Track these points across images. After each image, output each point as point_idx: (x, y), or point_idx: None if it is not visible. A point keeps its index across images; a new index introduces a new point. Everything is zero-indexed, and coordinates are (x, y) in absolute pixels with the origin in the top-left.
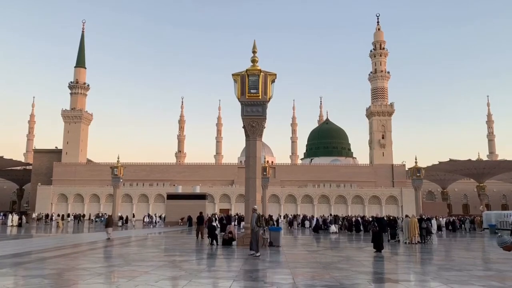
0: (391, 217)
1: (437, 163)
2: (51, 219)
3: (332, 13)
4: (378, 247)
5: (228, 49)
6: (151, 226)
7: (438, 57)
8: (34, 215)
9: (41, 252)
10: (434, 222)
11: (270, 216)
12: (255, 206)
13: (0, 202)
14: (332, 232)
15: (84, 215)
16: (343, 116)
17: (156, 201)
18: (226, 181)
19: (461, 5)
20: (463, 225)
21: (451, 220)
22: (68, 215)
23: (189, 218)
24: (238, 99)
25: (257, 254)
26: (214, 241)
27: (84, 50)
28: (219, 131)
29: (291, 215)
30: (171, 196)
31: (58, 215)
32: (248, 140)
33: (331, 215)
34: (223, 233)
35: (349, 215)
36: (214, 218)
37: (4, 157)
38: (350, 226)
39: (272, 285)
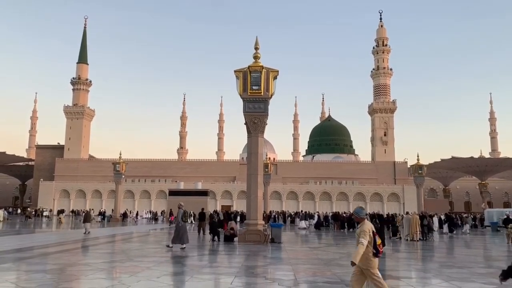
0: (387, 214)
1: (439, 160)
2: (41, 214)
3: (334, 10)
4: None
5: (231, 45)
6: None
7: (441, 54)
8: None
9: (43, 247)
10: (435, 219)
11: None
12: (181, 203)
13: (3, 197)
14: (300, 228)
15: (72, 211)
16: (345, 113)
17: (158, 197)
18: (228, 178)
19: (464, 2)
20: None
21: (443, 218)
22: (63, 211)
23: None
24: (240, 95)
25: (170, 245)
26: (216, 237)
27: (86, 46)
28: (221, 128)
29: (273, 211)
30: (173, 192)
31: (48, 210)
32: (250, 137)
33: (301, 211)
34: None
35: (339, 212)
36: (215, 215)
37: (7, 152)
38: (343, 223)
39: (274, 281)
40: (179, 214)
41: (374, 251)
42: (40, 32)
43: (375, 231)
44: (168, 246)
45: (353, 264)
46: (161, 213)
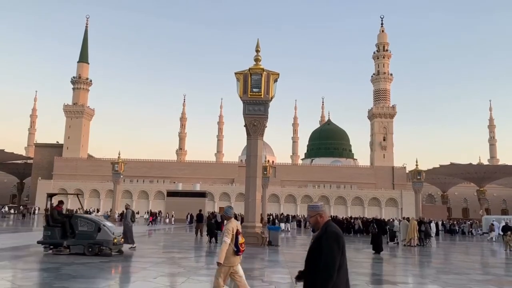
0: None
1: (438, 166)
2: (33, 212)
3: (336, 14)
4: (377, 248)
5: (231, 47)
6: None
7: (441, 60)
8: (4, 209)
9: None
10: (433, 225)
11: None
12: (128, 204)
13: (1, 195)
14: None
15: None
16: (345, 117)
17: (156, 198)
18: (227, 180)
19: (464, 8)
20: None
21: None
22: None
23: (191, 216)
24: (240, 97)
25: (134, 246)
26: (213, 239)
27: (87, 46)
28: (220, 130)
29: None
30: (171, 193)
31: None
32: (249, 139)
33: (282, 214)
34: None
35: (336, 216)
36: (212, 216)
37: (6, 150)
38: (344, 229)
39: (271, 284)
40: (128, 215)
41: (235, 249)
42: (41, 30)
43: (239, 230)
44: (131, 248)
45: (218, 264)
46: (158, 213)
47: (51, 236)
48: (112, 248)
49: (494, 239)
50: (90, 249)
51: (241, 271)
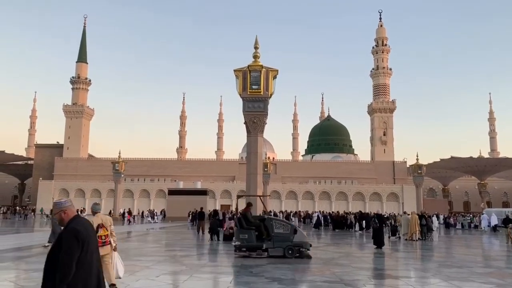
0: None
1: (439, 160)
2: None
3: (334, 9)
4: (379, 243)
5: (230, 45)
6: None
7: (440, 54)
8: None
9: (40, 246)
10: (434, 219)
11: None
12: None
13: (2, 196)
14: None
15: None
16: (345, 112)
17: (157, 197)
18: (227, 177)
19: (464, 2)
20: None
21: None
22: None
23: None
24: (240, 95)
25: (46, 245)
26: (215, 237)
27: (86, 45)
28: (220, 127)
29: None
30: (172, 192)
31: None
32: (250, 136)
33: (263, 210)
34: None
35: (337, 211)
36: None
37: (6, 151)
38: (337, 223)
39: (273, 280)
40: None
41: None
42: (39, 30)
43: (103, 224)
44: (45, 246)
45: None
46: (161, 212)
47: (248, 240)
48: (309, 250)
49: (484, 229)
50: (290, 251)
51: (113, 259)
